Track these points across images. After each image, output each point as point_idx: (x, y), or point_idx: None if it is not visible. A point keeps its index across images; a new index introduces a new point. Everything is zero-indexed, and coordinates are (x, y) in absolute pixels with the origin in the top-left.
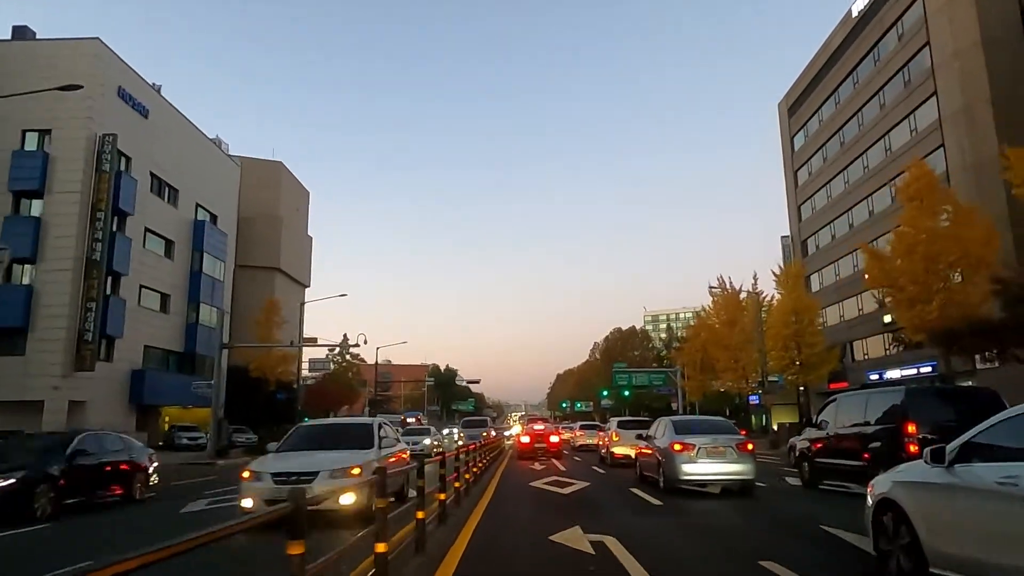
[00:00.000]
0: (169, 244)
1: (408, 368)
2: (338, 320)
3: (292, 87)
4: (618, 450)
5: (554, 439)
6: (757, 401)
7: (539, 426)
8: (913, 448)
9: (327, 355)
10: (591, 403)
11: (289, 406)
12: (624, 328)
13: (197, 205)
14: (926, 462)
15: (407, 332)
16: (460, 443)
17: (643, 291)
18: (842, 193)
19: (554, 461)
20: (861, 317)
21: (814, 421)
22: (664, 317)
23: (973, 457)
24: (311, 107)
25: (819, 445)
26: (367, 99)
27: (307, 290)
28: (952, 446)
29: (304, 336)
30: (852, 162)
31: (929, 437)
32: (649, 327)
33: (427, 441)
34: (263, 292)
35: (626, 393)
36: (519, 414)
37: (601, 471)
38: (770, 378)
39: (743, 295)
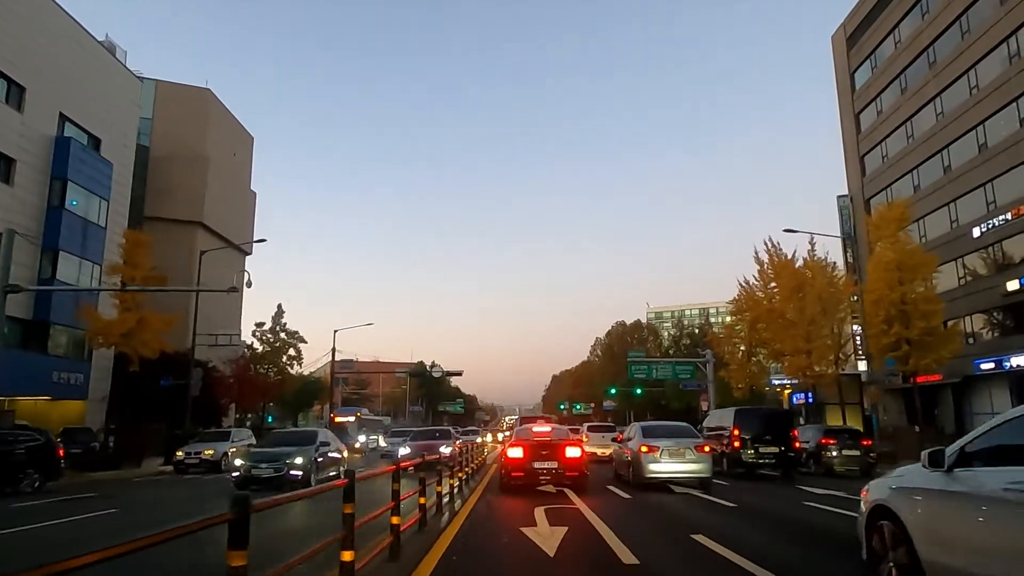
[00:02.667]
0: (7, 163)
1: (395, 366)
2: (312, 317)
3: (278, 61)
4: (587, 449)
5: (572, 452)
6: (811, 399)
7: (542, 428)
8: (736, 444)
9: (254, 331)
10: (592, 404)
11: (179, 397)
12: (628, 322)
13: (63, 117)
14: (924, 466)
15: (398, 332)
16: None
17: (643, 290)
18: (932, 128)
19: (575, 501)
20: (963, 288)
21: (699, 427)
22: (669, 314)
23: (975, 461)
24: (296, 83)
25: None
26: (361, 86)
27: (248, 259)
28: (951, 449)
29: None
30: (950, 84)
31: (744, 437)
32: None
33: (405, 450)
34: (180, 253)
35: (639, 391)
36: (514, 417)
37: None
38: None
39: (799, 262)
